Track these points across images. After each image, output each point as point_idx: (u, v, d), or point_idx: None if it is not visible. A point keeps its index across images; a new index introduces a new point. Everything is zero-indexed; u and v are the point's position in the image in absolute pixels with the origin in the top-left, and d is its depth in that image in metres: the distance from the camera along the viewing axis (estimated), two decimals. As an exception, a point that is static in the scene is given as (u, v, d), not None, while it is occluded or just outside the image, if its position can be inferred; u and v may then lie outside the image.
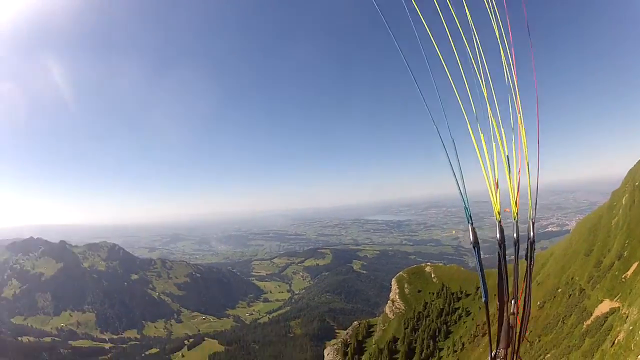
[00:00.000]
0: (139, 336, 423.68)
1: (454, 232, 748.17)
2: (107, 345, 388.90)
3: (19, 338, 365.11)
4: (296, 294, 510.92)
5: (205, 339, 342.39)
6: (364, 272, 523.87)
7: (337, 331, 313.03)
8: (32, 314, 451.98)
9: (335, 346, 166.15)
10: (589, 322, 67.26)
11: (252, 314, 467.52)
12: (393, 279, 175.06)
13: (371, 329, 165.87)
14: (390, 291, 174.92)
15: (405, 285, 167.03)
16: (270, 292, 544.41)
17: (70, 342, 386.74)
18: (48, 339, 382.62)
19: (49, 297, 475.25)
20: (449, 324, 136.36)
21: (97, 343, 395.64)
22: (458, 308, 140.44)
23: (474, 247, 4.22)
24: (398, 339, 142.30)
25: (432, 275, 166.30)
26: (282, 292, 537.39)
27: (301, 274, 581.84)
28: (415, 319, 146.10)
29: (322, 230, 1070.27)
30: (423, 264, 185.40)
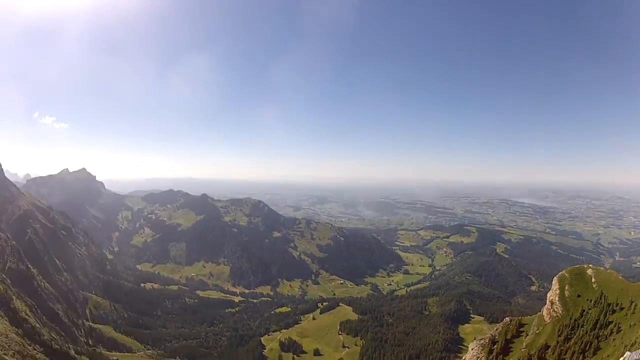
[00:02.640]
0: (272, 293, 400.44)
1: (631, 233, 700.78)
2: (236, 299, 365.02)
3: (142, 284, 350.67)
4: (437, 270, 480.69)
5: (340, 304, 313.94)
6: (506, 256, 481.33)
7: (472, 315, 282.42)
8: (162, 262, 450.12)
9: (482, 341, 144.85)
10: None
11: (391, 284, 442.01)
12: (555, 278, 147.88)
13: (521, 329, 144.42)
14: (550, 290, 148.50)
15: (566, 287, 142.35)
16: (412, 264, 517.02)
17: (197, 291, 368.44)
18: (175, 287, 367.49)
19: (183, 247, 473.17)
20: (600, 338, 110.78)
21: (227, 295, 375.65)
22: (611, 322, 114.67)
23: None
24: (549, 346, 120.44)
25: (593, 280, 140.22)
26: (424, 266, 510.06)
27: (445, 249, 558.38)
28: (570, 327, 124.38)
29: (470, 206, 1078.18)
30: (585, 265, 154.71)
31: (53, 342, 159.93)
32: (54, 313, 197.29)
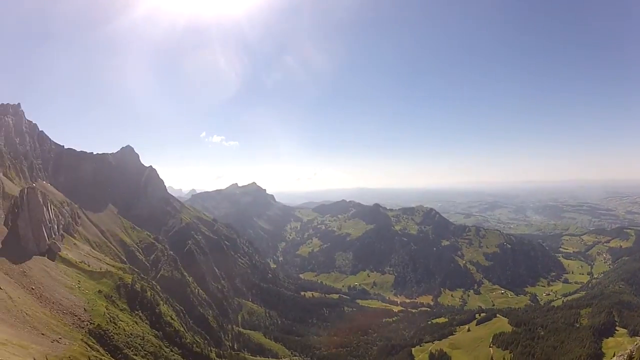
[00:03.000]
0: (432, 303, 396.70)
1: None
2: (396, 308, 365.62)
3: (302, 293, 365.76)
4: (594, 278, 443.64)
5: (497, 315, 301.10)
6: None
7: (617, 328, 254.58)
8: (326, 271, 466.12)
9: (621, 357, 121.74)
10: None
11: (549, 294, 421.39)
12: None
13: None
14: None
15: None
16: (572, 272, 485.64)
17: (358, 300, 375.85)
18: (335, 296, 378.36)
19: (350, 257, 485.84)
20: None
21: (387, 305, 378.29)
22: None
23: None
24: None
25: None
26: (583, 274, 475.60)
27: (604, 255, 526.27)
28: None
29: (632, 207, 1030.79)
30: None
31: (194, 345, 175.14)
32: (202, 318, 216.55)
